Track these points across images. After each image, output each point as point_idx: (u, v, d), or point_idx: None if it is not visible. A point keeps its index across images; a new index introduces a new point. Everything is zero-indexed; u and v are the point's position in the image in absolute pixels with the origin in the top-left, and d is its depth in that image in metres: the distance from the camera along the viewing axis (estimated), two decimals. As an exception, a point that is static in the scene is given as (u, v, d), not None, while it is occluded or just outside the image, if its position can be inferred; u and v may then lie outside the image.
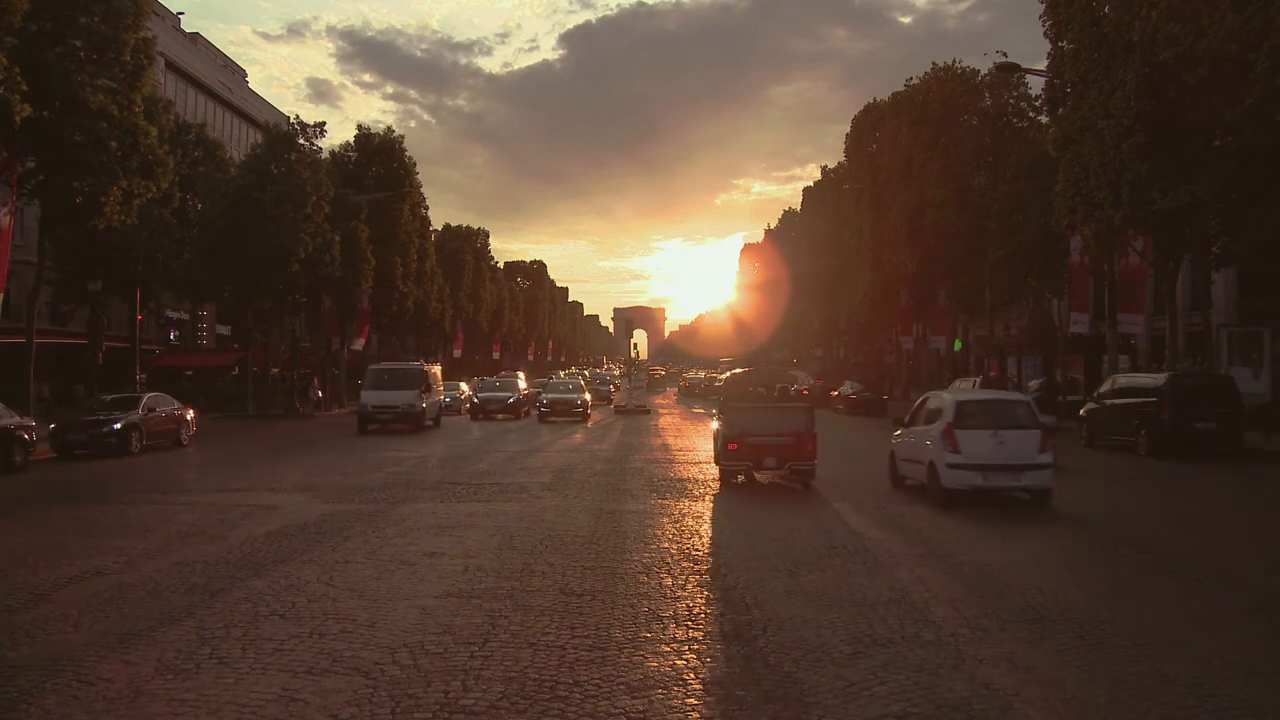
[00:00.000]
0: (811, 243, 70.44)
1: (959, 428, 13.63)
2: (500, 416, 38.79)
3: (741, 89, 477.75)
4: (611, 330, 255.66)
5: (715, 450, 17.69)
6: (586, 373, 79.21)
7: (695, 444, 25.82)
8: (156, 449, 24.41)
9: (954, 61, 42.80)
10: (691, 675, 6.38)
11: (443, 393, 38.45)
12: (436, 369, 37.51)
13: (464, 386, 47.37)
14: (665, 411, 46.16)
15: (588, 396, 39.24)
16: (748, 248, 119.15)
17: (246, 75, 72.13)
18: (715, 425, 16.75)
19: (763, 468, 16.29)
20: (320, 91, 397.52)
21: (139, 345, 37.02)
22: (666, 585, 9.05)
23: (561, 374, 72.65)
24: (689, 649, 6.96)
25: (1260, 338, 27.18)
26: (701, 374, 78.67)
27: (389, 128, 54.84)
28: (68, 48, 23.61)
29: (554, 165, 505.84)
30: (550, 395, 38.66)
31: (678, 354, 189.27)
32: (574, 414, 37.20)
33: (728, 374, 24.88)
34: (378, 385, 32.13)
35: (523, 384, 43.75)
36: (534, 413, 39.08)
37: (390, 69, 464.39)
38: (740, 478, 16.85)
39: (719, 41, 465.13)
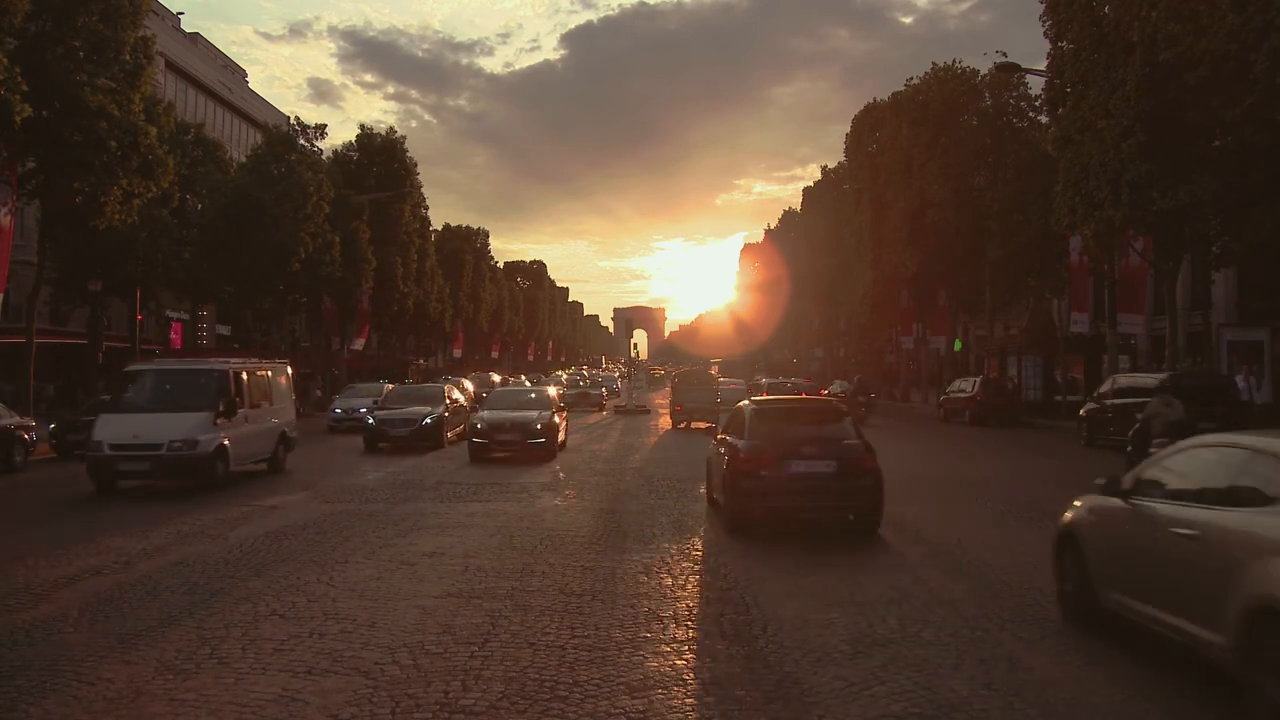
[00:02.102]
0: (811, 243, 70.41)
1: None
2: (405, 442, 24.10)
3: (742, 89, 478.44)
4: (611, 330, 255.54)
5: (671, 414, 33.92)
6: (586, 373, 78.88)
7: (695, 442, 25.78)
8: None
9: (954, 61, 42.79)
10: (691, 675, 6.38)
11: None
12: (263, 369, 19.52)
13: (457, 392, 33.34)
14: (665, 411, 45.82)
15: (556, 418, 22.51)
16: (748, 248, 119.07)
17: (247, 75, 72.14)
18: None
19: (691, 420, 30.99)
20: (321, 91, 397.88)
21: (139, 345, 37.02)
22: (666, 585, 9.05)
23: (525, 379, 62.73)
24: (689, 649, 6.96)
25: (1260, 346, 27.19)
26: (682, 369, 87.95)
27: (391, 128, 55.04)
28: (67, 48, 23.62)
29: (555, 165, 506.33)
30: (490, 414, 22.35)
31: (678, 354, 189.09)
32: (531, 444, 21.05)
33: (678, 371, 44.75)
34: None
35: (459, 393, 29.56)
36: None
37: (391, 69, 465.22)
38: (683, 424, 31.66)
39: (720, 41, 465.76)
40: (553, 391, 26.37)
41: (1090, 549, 7.37)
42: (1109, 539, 7.22)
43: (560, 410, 23.99)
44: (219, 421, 16.32)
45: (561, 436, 23.24)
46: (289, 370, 21.09)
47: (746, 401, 14.14)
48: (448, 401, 26.14)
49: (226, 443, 16.37)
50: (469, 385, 39.12)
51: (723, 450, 12.71)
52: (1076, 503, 7.85)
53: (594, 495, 15.58)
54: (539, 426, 21.44)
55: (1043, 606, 8.19)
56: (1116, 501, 7.13)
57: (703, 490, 14.92)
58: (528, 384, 53.00)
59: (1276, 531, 5.41)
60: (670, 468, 19.68)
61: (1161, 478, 6.93)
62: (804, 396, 24.44)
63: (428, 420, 24.52)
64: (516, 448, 21.15)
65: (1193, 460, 6.82)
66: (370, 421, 24.90)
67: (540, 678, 6.28)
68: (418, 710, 5.70)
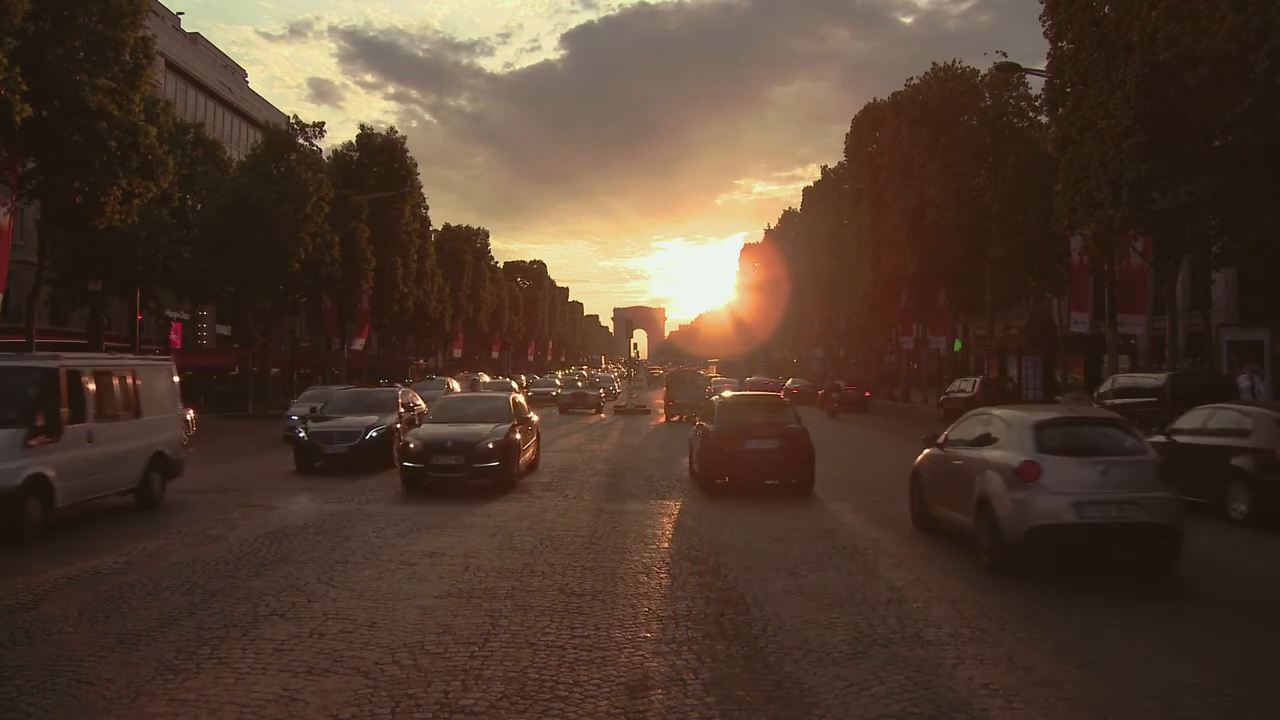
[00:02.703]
0: (811, 243, 70.40)
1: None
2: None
3: (743, 89, 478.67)
4: (611, 330, 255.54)
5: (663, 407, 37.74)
6: (585, 373, 78.76)
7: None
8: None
9: (954, 61, 42.75)
10: (691, 675, 6.38)
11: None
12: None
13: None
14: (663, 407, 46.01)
15: (516, 433, 16.92)
16: (748, 248, 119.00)
17: (246, 75, 72.18)
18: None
19: (683, 414, 31.39)
20: (322, 92, 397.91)
21: (139, 345, 37.02)
22: (666, 585, 9.05)
23: (524, 378, 62.07)
24: (689, 649, 6.96)
25: (1260, 346, 27.18)
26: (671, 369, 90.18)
27: (391, 128, 55.03)
28: (67, 48, 23.62)
29: (555, 165, 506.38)
30: (428, 430, 17.00)
31: (678, 354, 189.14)
32: (480, 470, 15.93)
33: (671, 371, 52.23)
34: None
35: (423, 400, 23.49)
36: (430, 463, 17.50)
37: (392, 69, 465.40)
38: (676, 418, 34.12)
39: (720, 41, 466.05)
40: (519, 398, 20.09)
41: (923, 480, 11.97)
42: (931, 473, 11.79)
43: (524, 423, 18.14)
44: (36, 442, 11.52)
45: (529, 454, 18.23)
46: (172, 371, 15.84)
47: (717, 396, 19.12)
48: (402, 411, 20.76)
49: (49, 472, 11.62)
50: (455, 386, 37.01)
51: (699, 433, 17.14)
52: (920, 458, 12.25)
53: (594, 495, 15.58)
54: (490, 446, 15.86)
55: (1043, 607, 8.21)
56: (936, 450, 11.76)
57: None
58: (485, 380, 49.61)
59: (990, 459, 10.01)
60: (670, 468, 19.67)
61: (954, 434, 11.56)
62: (760, 392, 29.66)
63: (373, 434, 19.09)
64: (461, 474, 15.77)
65: (969, 422, 11.44)
66: (301, 435, 19.65)
67: (540, 678, 6.28)
68: (418, 710, 5.70)
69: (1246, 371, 25.97)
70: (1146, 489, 9.36)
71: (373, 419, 19.80)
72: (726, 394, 20.69)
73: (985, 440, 10.55)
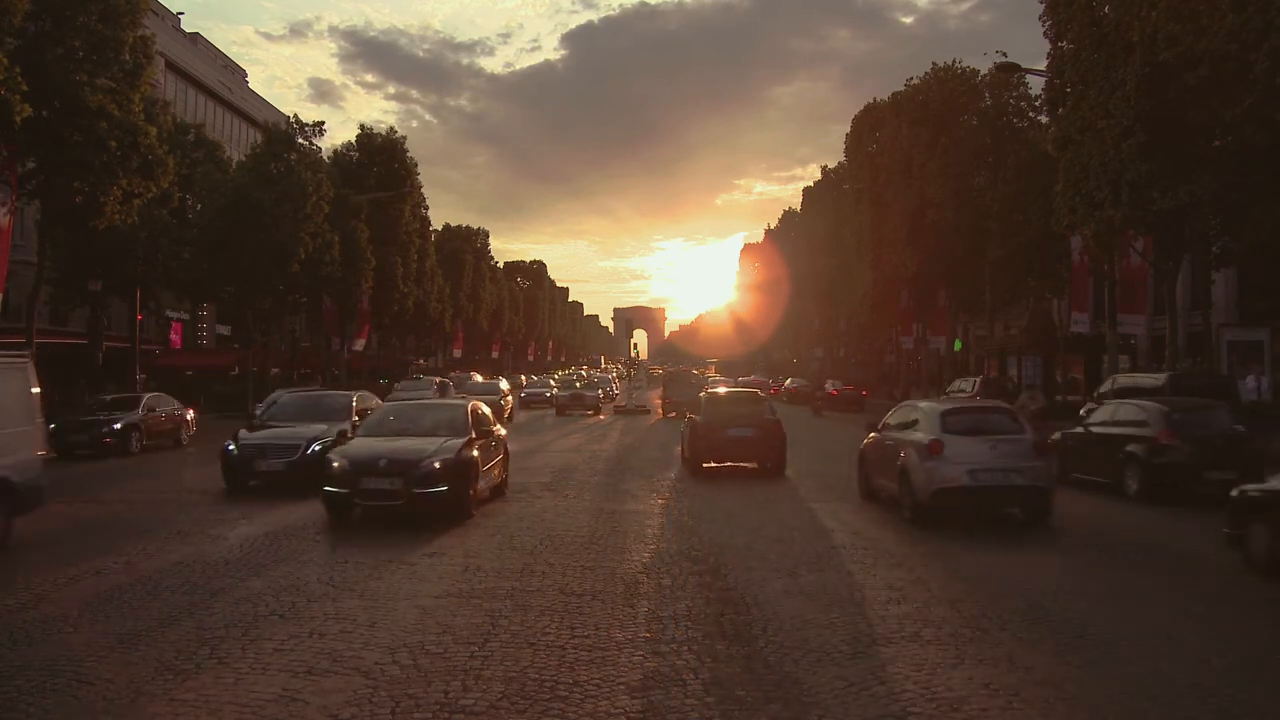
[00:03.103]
0: (811, 243, 70.40)
1: None
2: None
3: (743, 89, 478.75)
4: (611, 330, 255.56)
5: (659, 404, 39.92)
6: (584, 373, 78.28)
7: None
8: (156, 449, 24.41)
9: (954, 61, 42.74)
10: (691, 675, 6.38)
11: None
12: None
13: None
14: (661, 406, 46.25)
15: (473, 449, 13.61)
16: (748, 248, 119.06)
17: (246, 75, 72.17)
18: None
19: (679, 410, 29.37)
20: (322, 92, 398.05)
21: (139, 345, 37.02)
22: (666, 585, 9.05)
23: (524, 378, 60.26)
24: (689, 649, 6.96)
25: (1260, 346, 27.20)
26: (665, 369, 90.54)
27: (391, 128, 54.99)
28: (67, 48, 23.62)
29: (555, 165, 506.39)
30: (359, 446, 13.67)
31: (678, 354, 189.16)
32: (421, 496, 12.45)
33: (667, 372, 56.04)
34: None
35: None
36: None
37: (392, 69, 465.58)
38: (672, 414, 34.95)
39: (721, 41, 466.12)
40: (483, 408, 15.57)
41: (867, 459, 14.90)
42: (871, 452, 14.70)
43: (486, 437, 14.41)
44: None
45: (495, 476, 14.89)
46: (27, 371, 12.45)
47: (704, 393, 22.42)
48: (356, 419, 17.26)
49: None
50: (437, 384, 36.72)
51: (689, 424, 19.84)
52: (865, 441, 15.26)
53: (594, 495, 15.58)
54: (437, 466, 12.51)
55: (1043, 606, 8.22)
56: (876, 434, 14.67)
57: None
58: (478, 379, 45.70)
59: (910, 439, 12.83)
60: (670, 468, 19.70)
61: (890, 420, 14.49)
62: (741, 389, 31.39)
63: (315, 448, 15.67)
64: (398, 502, 12.33)
65: (899, 411, 14.53)
66: (230, 449, 16.19)
67: (540, 678, 6.28)
68: (418, 710, 5.70)
69: (1254, 373, 25.98)
70: (1024, 460, 12.34)
71: (319, 428, 16.55)
72: (712, 390, 23.79)
73: (908, 425, 13.52)
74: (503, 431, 16.70)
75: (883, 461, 13.81)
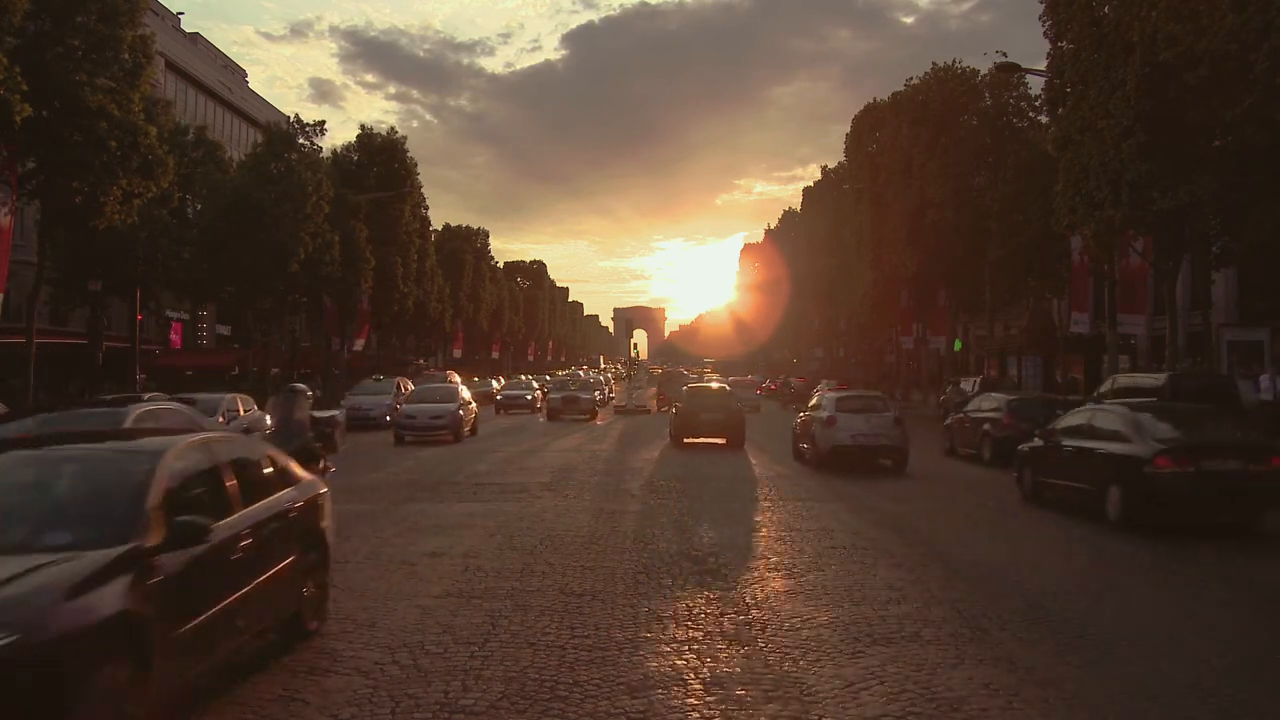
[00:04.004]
0: (811, 243, 70.43)
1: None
2: None
3: (743, 89, 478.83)
4: (611, 330, 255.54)
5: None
6: (582, 373, 75.41)
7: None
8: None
9: (954, 61, 42.76)
10: (691, 675, 6.38)
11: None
12: None
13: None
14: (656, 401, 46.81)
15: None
16: (748, 248, 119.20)
17: (246, 75, 72.19)
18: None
19: (672, 405, 28.95)
20: (323, 92, 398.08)
21: (139, 345, 37.01)
22: (666, 585, 9.05)
23: (524, 378, 52.60)
24: (689, 649, 6.96)
25: (1260, 346, 27.18)
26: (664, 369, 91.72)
27: (391, 128, 55.02)
28: (66, 47, 23.60)
29: (555, 165, 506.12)
30: None
31: (678, 354, 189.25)
32: None
33: (662, 372, 66.65)
34: None
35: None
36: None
37: (393, 69, 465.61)
38: (665, 408, 35.38)
39: (721, 41, 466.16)
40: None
41: (796, 431, 21.61)
42: (799, 426, 21.36)
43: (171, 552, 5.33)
44: None
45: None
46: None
47: (686, 387, 29.91)
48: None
49: None
50: (410, 387, 32.67)
51: (674, 410, 26.68)
52: (804, 417, 21.20)
53: (594, 495, 15.58)
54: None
55: (1043, 606, 8.23)
56: (803, 414, 21.57)
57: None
58: (456, 380, 39.09)
59: (818, 416, 20.02)
60: (670, 468, 19.70)
61: (809, 404, 21.88)
62: (711, 384, 36.49)
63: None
64: None
65: (815, 398, 22.11)
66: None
67: (540, 678, 6.28)
68: (418, 710, 5.70)
69: (1269, 373, 26.02)
70: (888, 429, 19.21)
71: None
72: (690, 385, 31.84)
73: (818, 407, 20.60)
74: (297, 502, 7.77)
75: (804, 432, 20.82)
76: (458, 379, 42.80)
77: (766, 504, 14.82)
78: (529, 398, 43.98)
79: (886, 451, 19.05)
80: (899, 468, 18.89)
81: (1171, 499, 11.57)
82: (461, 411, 27.47)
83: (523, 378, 60.18)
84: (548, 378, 66.00)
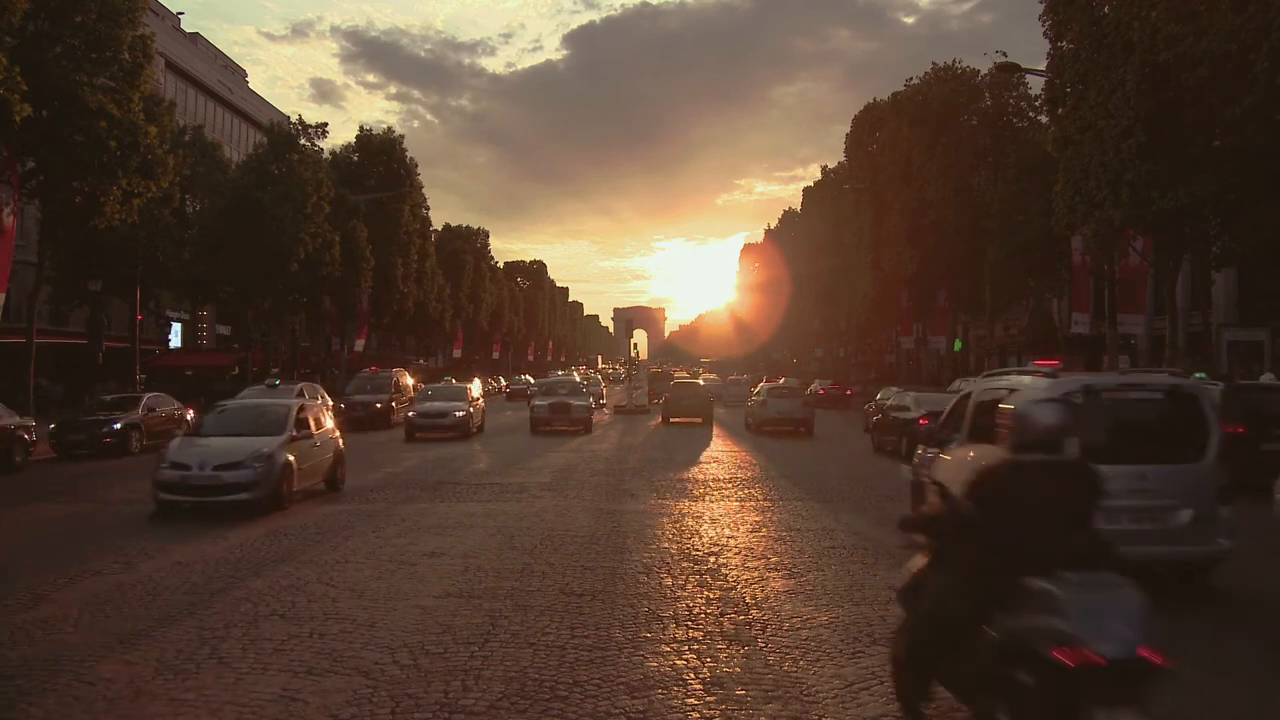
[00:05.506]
0: (812, 243, 70.40)
1: None
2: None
3: (744, 89, 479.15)
4: (611, 330, 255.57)
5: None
6: (579, 375, 67.59)
7: (693, 441, 25.81)
8: (156, 449, 24.33)
9: (954, 61, 42.78)
10: (691, 675, 6.38)
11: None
12: None
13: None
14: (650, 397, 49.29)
15: None
16: (748, 248, 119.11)
17: (247, 75, 72.19)
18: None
19: (658, 397, 42.32)
20: (324, 92, 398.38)
21: (139, 345, 37.03)
22: (666, 585, 9.05)
23: (525, 378, 51.55)
24: (689, 649, 6.96)
25: (1260, 346, 27.19)
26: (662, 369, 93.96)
27: (390, 128, 54.98)
28: (66, 47, 23.61)
29: (556, 165, 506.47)
30: None
31: (678, 354, 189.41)
32: None
33: (656, 371, 73.74)
34: None
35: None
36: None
37: (394, 69, 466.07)
38: (657, 401, 42.96)
39: (722, 42, 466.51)
40: None
41: (746, 411, 35.20)
42: (751, 410, 33.34)
43: None
44: None
45: None
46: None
47: (671, 383, 42.22)
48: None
49: None
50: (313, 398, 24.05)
51: (663, 400, 37.85)
52: (750, 401, 34.98)
53: (594, 495, 15.58)
54: None
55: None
56: (750, 400, 35.60)
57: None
58: (409, 381, 35.99)
59: (756, 399, 33.42)
60: (670, 468, 19.70)
61: (755, 391, 35.62)
62: (690, 380, 45.72)
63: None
64: None
65: (760, 386, 36.65)
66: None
67: (540, 678, 6.28)
68: (418, 710, 5.70)
69: (1273, 371, 26.05)
70: (799, 409, 30.69)
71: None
72: (675, 382, 42.91)
73: (760, 394, 32.54)
74: None
75: (750, 410, 32.69)
76: (409, 380, 38.01)
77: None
78: (458, 415, 29.04)
79: (796, 423, 30.18)
80: (808, 433, 29.83)
81: None
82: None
83: (521, 377, 61.17)
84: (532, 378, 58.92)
